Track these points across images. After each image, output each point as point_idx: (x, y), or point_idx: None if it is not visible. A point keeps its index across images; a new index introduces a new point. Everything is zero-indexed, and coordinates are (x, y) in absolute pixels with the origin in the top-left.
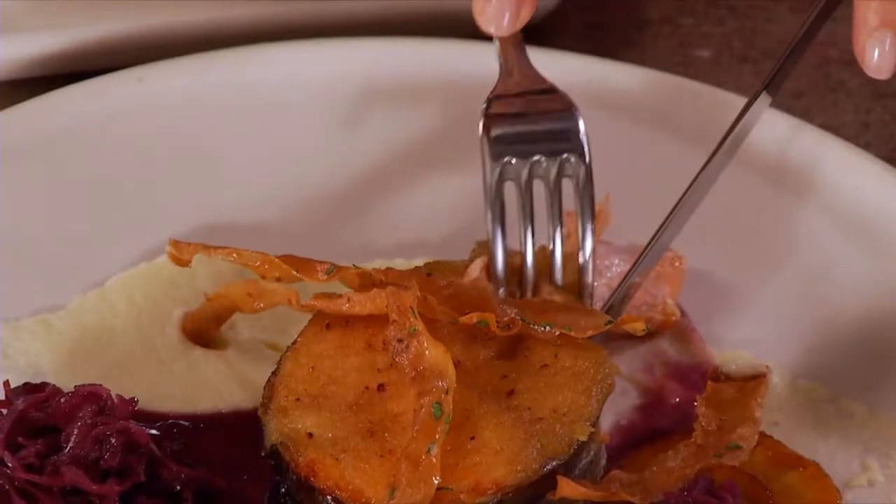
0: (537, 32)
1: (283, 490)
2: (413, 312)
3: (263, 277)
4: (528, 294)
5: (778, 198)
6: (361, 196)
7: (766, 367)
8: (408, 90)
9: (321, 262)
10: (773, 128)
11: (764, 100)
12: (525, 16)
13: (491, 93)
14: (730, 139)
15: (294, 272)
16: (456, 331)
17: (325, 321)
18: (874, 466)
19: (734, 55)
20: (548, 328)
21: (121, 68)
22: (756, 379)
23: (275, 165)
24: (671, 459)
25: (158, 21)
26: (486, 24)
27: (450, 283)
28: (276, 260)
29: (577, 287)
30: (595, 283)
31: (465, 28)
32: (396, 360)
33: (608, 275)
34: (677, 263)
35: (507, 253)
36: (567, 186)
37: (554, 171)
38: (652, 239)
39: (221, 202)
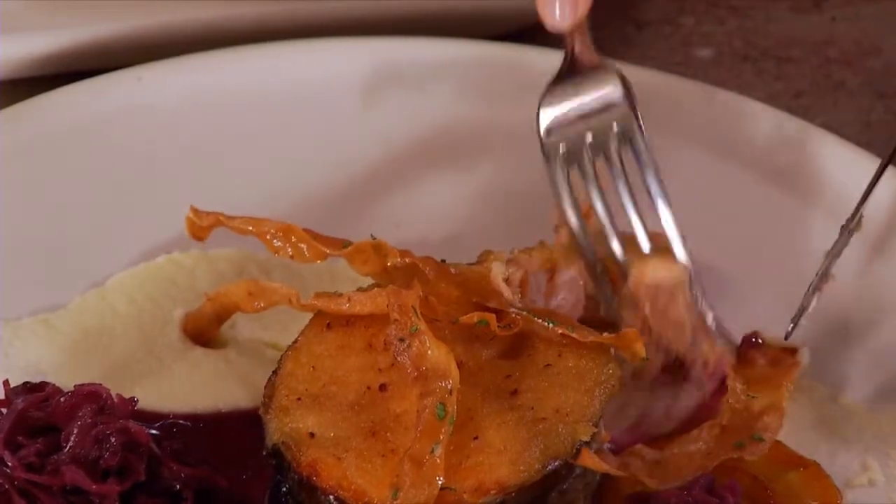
0: (536, 32)
1: (284, 489)
2: (415, 312)
3: (277, 254)
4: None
5: (778, 197)
6: (362, 195)
7: (802, 343)
8: (410, 89)
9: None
10: (774, 127)
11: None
12: (583, 8)
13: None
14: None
15: (312, 243)
16: (458, 330)
17: (325, 321)
18: (874, 466)
19: (735, 55)
20: (551, 325)
21: (120, 68)
22: (789, 352)
23: (275, 164)
24: (693, 442)
25: (158, 21)
26: (549, 18)
27: (460, 272)
28: (298, 228)
29: None
30: None
31: (468, 27)
32: (398, 359)
33: None
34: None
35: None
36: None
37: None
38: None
39: (222, 201)
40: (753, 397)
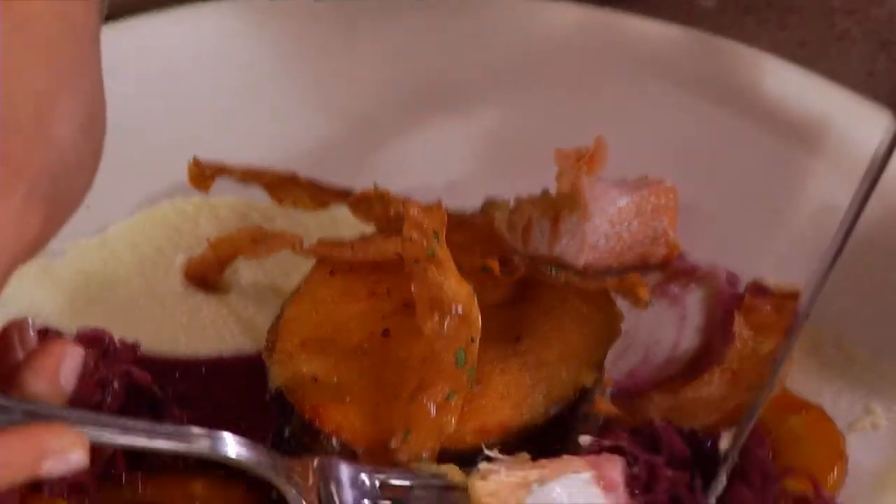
0: None
1: (287, 433)
2: (434, 235)
3: (279, 203)
4: None
5: (781, 147)
6: (364, 143)
7: (800, 286)
8: (408, 35)
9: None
10: (777, 77)
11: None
12: None
13: None
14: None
15: (314, 192)
16: (462, 277)
17: (328, 267)
18: (878, 410)
19: (738, 4)
20: (555, 271)
21: (117, 17)
22: (792, 297)
23: (275, 111)
24: (706, 386)
25: None
26: None
27: (463, 219)
28: (300, 177)
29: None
30: (597, 221)
31: None
32: (413, 287)
33: (610, 210)
34: (671, 195)
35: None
36: None
37: None
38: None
39: (222, 149)
40: (761, 342)
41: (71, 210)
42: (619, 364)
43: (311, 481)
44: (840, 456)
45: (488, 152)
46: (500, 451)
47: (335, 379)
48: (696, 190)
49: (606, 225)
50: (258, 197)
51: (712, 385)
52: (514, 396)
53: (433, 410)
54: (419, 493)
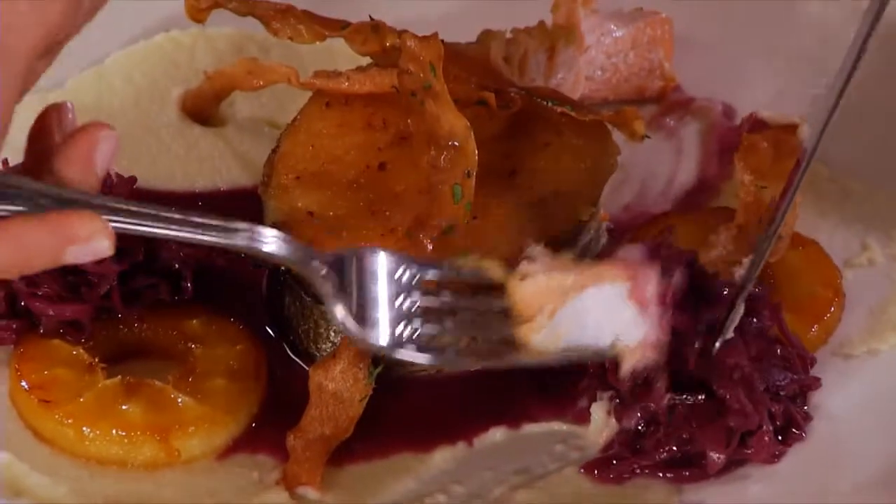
0: None
1: (282, 268)
2: (432, 68)
3: (276, 35)
4: None
5: None
6: None
7: (799, 118)
8: None
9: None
10: None
11: None
12: None
13: None
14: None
15: (310, 23)
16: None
17: (324, 99)
18: (874, 246)
19: None
20: (551, 104)
21: None
22: (790, 129)
23: None
24: (713, 248)
25: None
26: None
27: (459, 51)
28: (296, 9)
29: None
30: (594, 52)
31: None
32: (409, 120)
33: (606, 42)
34: (667, 27)
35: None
36: None
37: None
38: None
39: None
40: (764, 187)
41: (89, 10)
42: (615, 198)
43: (347, 277)
44: (837, 292)
45: None
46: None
47: (331, 213)
48: (691, 22)
49: (602, 56)
50: (255, 28)
51: (719, 246)
52: (510, 232)
53: (430, 246)
54: (456, 294)
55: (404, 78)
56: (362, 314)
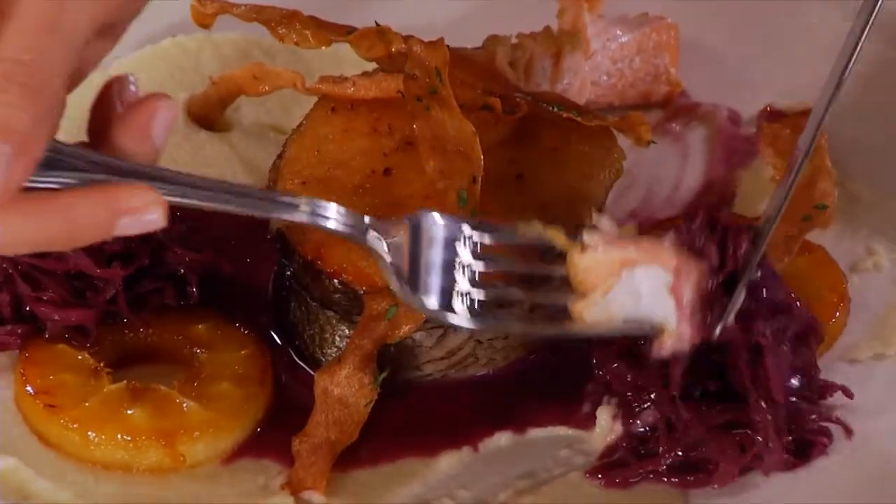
0: None
1: (288, 273)
2: (438, 74)
3: (282, 40)
4: None
5: None
6: None
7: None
8: None
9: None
10: None
11: None
12: None
13: None
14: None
15: (316, 29)
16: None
17: (330, 104)
18: (880, 251)
19: None
20: (557, 109)
21: None
22: (806, 114)
23: None
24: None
25: None
26: None
27: (465, 56)
28: (302, 14)
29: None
30: (599, 58)
31: None
32: (415, 126)
33: (612, 47)
34: (672, 32)
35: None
36: None
37: None
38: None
39: None
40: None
41: None
42: (620, 203)
43: (404, 244)
44: (843, 297)
45: None
46: None
47: None
48: (697, 27)
49: (608, 62)
50: (261, 34)
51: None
52: None
53: None
54: (513, 260)
55: (410, 83)
56: (415, 279)
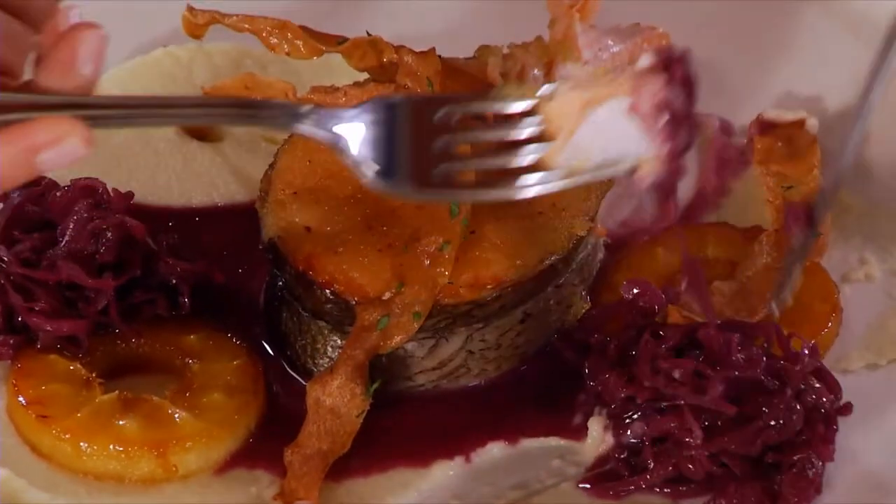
0: None
1: (280, 284)
2: (429, 83)
3: (273, 50)
4: None
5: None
6: None
7: (805, 112)
8: None
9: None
10: None
11: None
12: None
13: None
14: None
15: (308, 39)
16: None
17: None
18: (872, 261)
19: None
20: None
21: None
22: (798, 125)
23: None
24: (758, 257)
25: None
26: None
27: (456, 66)
28: (293, 24)
29: None
30: (591, 68)
31: None
32: None
33: (604, 57)
34: (664, 41)
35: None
36: None
37: None
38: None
39: None
40: (789, 187)
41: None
42: (612, 212)
43: (372, 130)
44: (834, 307)
45: (482, 1)
46: (498, 308)
47: (328, 229)
48: (688, 37)
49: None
50: (252, 44)
51: (763, 254)
52: (507, 247)
53: (427, 262)
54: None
55: (402, 93)
56: (391, 164)
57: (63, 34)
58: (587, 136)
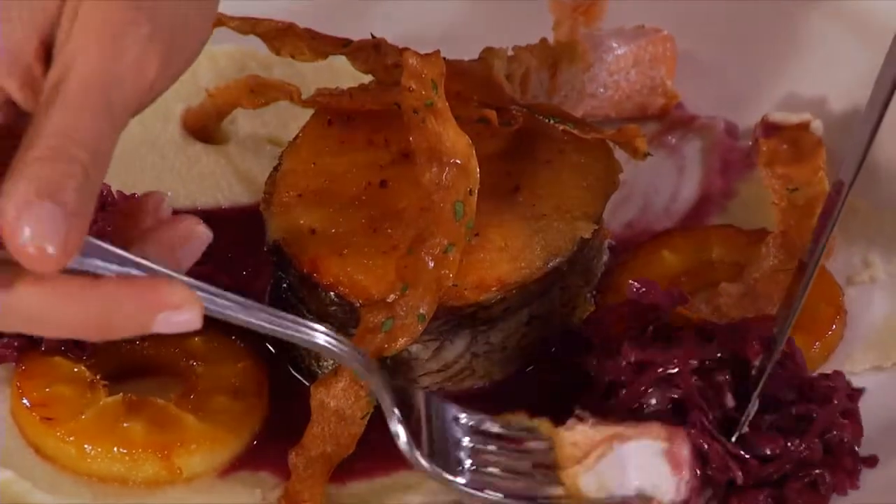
0: None
1: (284, 286)
2: (434, 85)
3: (278, 53)
4: None
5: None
6: None
7: (810, 114)
8: None
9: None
10: None
11: None
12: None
13: None
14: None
15: (312, 42)
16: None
17: (326, 117)
18: (877, 263)
19: None
20: (553, 121)
21: None
22: (803, 127)
23: None
24: (764, 259)
25: None
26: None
27: (461, 68)
28: (298, 27)
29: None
30: (596, 70)
31: None
32: (411, 138)
33: (608, 59)
34: (668, 44)
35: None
36: None
37: None
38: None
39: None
40: (795, 189)
41: (181, 68)
42: (617, 215)
43: (416, 412)
44: (839, 309)
45: (486, 3)
46: (503, 310)
47: (333, 231)
48: (693, 39)
49: (604, 74)
50: (257, 46)
51: (770, 256)
52: (511, 249)
53: (431, 264)
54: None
55: (406, 95)
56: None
57: (177, 218)
58: (612, 465)
